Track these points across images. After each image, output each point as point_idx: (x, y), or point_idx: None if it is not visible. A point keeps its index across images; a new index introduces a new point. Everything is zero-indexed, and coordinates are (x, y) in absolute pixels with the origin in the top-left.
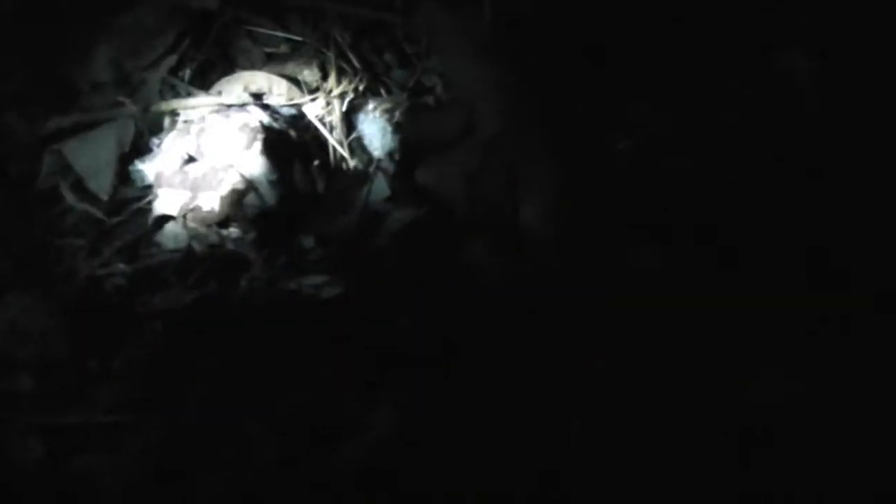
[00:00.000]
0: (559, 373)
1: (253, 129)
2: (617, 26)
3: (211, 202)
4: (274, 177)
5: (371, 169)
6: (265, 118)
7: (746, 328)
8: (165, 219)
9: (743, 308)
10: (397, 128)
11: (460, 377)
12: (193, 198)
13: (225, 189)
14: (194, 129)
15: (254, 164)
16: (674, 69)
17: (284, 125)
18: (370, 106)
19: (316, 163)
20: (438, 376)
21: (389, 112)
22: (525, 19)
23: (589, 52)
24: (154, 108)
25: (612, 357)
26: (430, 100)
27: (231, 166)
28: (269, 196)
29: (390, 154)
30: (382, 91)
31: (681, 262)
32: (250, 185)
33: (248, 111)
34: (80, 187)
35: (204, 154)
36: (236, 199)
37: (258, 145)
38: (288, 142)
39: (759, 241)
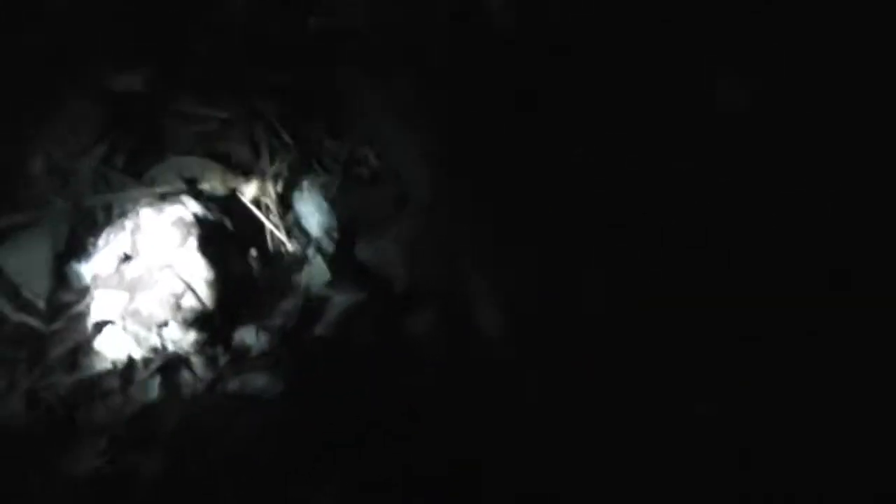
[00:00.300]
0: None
1: (187, 224)
2: (545, 71)
3: (149, 304)
4: (211, 275)
5: (310, 251)
6: (199, 210)
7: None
8: (104, 323)
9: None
10: (333, 205)
11: (420, 444)
12: (132, 299)
13: (162, 290)
14: (129, 224)
15: (190, 261)
16: (609, 110)
17: (219, 214)
18: (304, 183)
19: (253, 252)
20: (394, 450)
21: (324, 188)
22: (447, 76)
23: (519, 101)
24: (87, 202)
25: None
26: (363, 171)
27: (167, 265)
28: (207, 296)
29: (328, 233)
30: (316, 165)
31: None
32: (187, 285)
33: (181, 202)
34: (15, 294)
35: (140, 252)
36: (174, 301)
37: (193, 242)
38: (223, 233)
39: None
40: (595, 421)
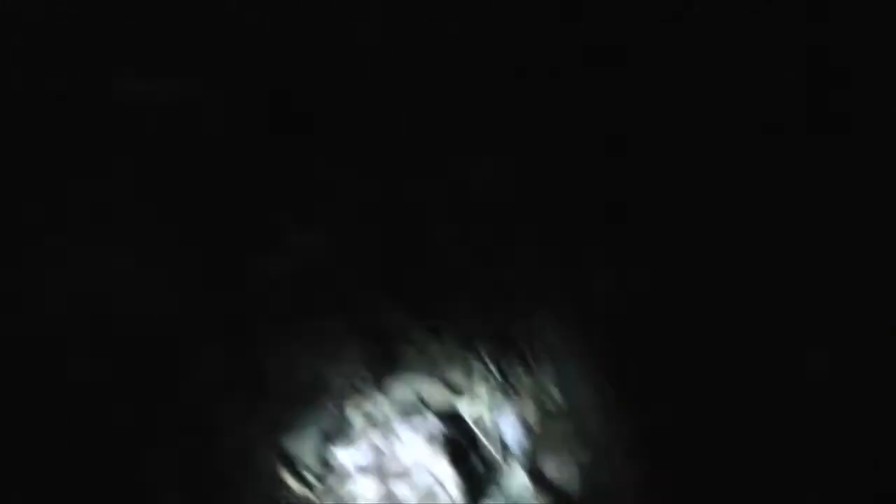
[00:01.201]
0: None
1: (437, 439)
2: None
3: (405, 493)
4: (459, 481)
5: (513, 463)
6: (443, 427)
7: None
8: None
9: None
10: (527, 428)
11: None
12: (388, 487)
13: (420, 485)
14: (382, 428)
15: (441, 467)
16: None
17: (454, 431)
18: (506, 409)
19: (477, 460)
20: None
21: (520, 416)
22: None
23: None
24: (348, 406)
25: None
26: (550, 405)
27: (416, 463)
28: (457, 496)
29: (526, 452)
30: (513, 395)
31: None
32: (441, 485)
33: (424, 417)
34: (295, 471)
35: (395, 452)
36: (430, 493)
37: (444, 454)
38: (462, 448)
39: None
40: None
